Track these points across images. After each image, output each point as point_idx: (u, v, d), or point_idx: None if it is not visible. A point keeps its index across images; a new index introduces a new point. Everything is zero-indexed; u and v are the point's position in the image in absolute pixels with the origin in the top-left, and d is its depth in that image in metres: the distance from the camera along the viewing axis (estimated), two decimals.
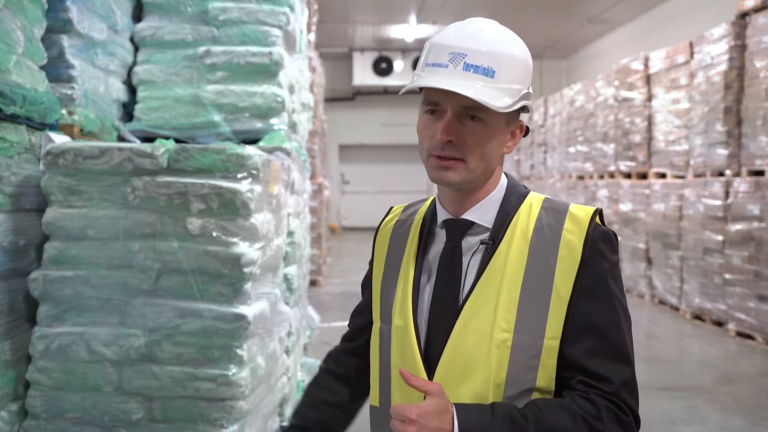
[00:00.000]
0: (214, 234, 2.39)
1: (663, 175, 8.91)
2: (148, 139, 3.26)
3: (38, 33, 2.51)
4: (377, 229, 1.56)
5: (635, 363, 1.32)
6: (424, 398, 1.24)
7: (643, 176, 9.43)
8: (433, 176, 1.33)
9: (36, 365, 2.40)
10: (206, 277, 2.41)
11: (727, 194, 7.11)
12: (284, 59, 3.62)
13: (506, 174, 1.43)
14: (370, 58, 17.56)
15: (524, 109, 1.35)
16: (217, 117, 3.51)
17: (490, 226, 1.36)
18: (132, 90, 3.58)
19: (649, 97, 9.28)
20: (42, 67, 2.54)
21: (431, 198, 1.50)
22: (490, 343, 1.28)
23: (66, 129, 2.77)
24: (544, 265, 1.31)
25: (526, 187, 1.43)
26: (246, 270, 2.40)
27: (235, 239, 2.40)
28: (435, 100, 1.31)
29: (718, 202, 7.21)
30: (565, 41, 16.74)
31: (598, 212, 1.35)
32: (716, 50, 7.37)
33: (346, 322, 1.65)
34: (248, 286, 2.44)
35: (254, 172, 2.46)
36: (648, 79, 9.32)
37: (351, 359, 1.57)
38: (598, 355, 1.28)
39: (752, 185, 6.68)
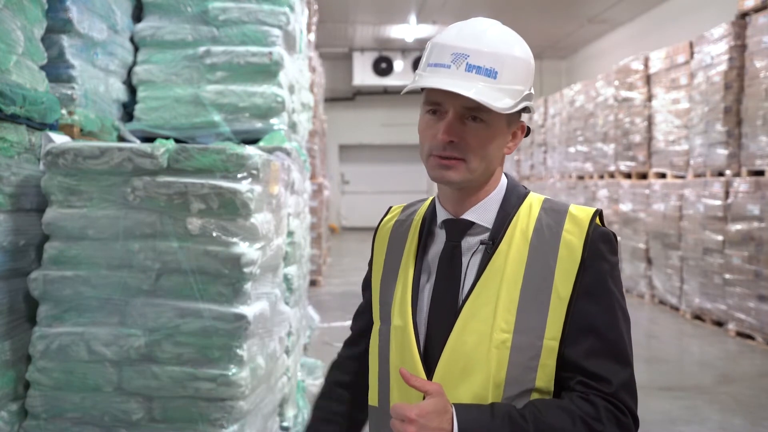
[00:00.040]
0: (214, 234, 2.40)
1: (663, 175, 8.91)
2: (148, 139, 3.26)
3: (38, 33, 2.51)
4: (376, 229, 1.55)
5: (635, 363, 1.32)
6: (424, 398, 1.24)
7: (643, 176, 9.43)
8: (434, 176, 1.33)
9: (36, 365, 2.40)
10: (206, 277, 2.41)
11: (727, 194, 7.11)
12: (284, 59, 3.62)
13: (506, 174, 1.43)
14: (370, 58, 17.56)
15: (526, 109, 1.35)
16: (217, 117, 3.52)
17: (490, 227, 1.36)
18: (132, 90, 3.58)
19: (649, 97, 9.29)
20: (42, 67, 2.54)
21: (431, 198, 1.50)
22: (489, 344, 1.28)
23: (66, 129, 2.77)
24: (543, 266, 1.31)
25: (525, 188, 1.43)
26: (246, 270, 2.40)
27: (235, 239, 2.40)
28: (437, 101, 1.31)
29: (718, 202, 7.21)
30: (565, 41, 16.74)
31: (598, 213, 1.35)
32: (716, 50, 7.37)
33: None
34: (248, 286, 2.44)
35: (254, 172, 2.46)
36: (648, 79, 9.33)
37: (356, 365, 1.55)
38: (597, 356, 1.28)
39: (752, 185, 6.68)
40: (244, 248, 2.41)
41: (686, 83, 8.24)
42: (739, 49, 7.05)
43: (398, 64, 17.45)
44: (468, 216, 1.37)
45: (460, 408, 1.23)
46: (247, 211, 2.41)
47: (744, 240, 6.78)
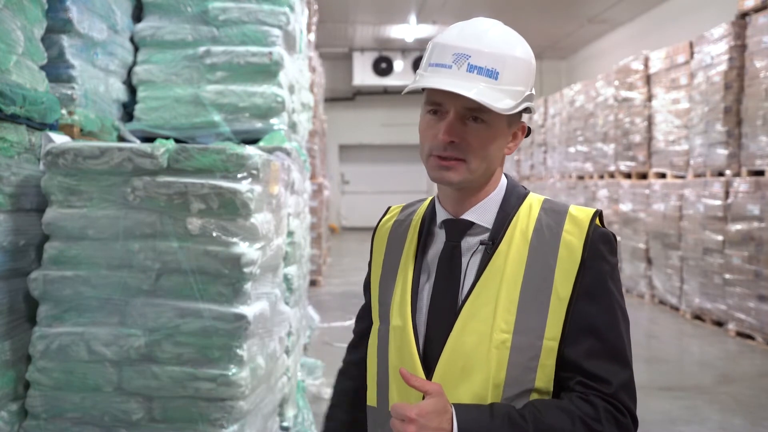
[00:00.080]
0: (214, 234, 2.40)
1: (663, 175, 8.91)
2: (148, 139, 3.26)
3: (38, 33, 2.51)
4: (375, 229, 1.55)
5: (635, 363, 1.32)
6: (423, 398, 1.24)
7: (643, 176, 9.43)
8: (434, 176, 1.33)
9: (36, 365, 2.40)
10: (206, 277, 2.41)
11: (727, 194, 7.11)
12: (284, 59, 3.62)
13: (506, 175, 1.43)
14: (370, 58, 17.56)
15: (527, 110, 1.35)
16: (217, 117, 3.52)
17: (490, 227, 1.36)
18: (132, 90, 3.58)
19: (649, 97, 9.29)
20: (42, 67, 2.54)
21: (429, 198, 1.50)
22: (489, 344, 1.28)
23: (66, 129, 2.77)
24: (543, 266, 1.31)
25: (525, 188, 1.43)
26: (246, 270, 2.40)
27: (235, 239, 2.40)
28: (438, 101, 1.31)
29: (718, 202, 7.21)
30: (565, 41, 16.74)
31: (598, 214, 1.35)
32: (716, 50, 7.38)
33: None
34: (248, 286, 2.44)
35: (254, 172, 2.46)
36: (648, 79, 9.33)
37: (360, 370, 1.54)
38: (597, 357, 1.28)
39: (752, 185, 6.68)
40: (244, 248, 2.41)
41: (686, 83, 8.24)
42: (739, 49, 7.05)
43: (398, 64, 17.45)
44: (468, 216, 1.37)
45: (460, 408, 1.24)
46: (247, 211, 2.41)
47: (744, 240, 6.78)
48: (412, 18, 14.52)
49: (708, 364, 6.14)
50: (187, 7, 3.55)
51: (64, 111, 2.77)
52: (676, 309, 8.22)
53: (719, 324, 7.30)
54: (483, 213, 1.37)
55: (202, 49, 3.54)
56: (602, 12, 13.94)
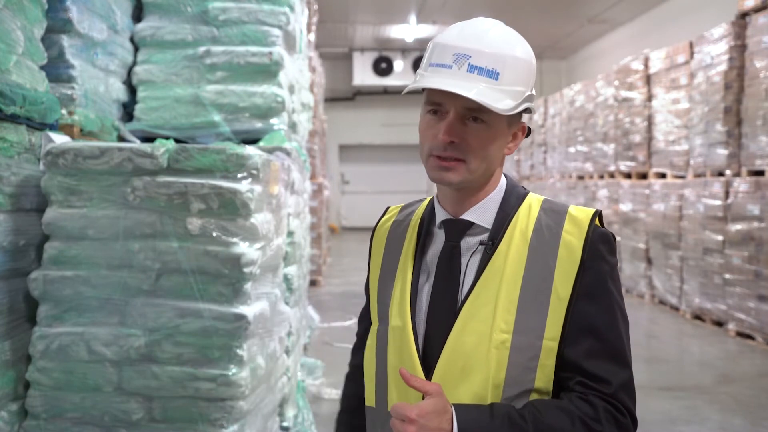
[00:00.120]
0: (214, 234, 2.40)
1: (663, 175, 8.92)
2: (148, 139, 3.26)
3: (38, 33, 2.51)
4: (374, 230, 1.55)
5: (635, 363, 1.33)
6: (423, 398, 1.24)
7: (643, 176, 9.43)
8: (433, 176, 1.33)
9: (36, 365, 2.40)
10: (206, 277, 2.41)
11: (727, 194, 7.11)
12: (284, 59, 3.62)
13: (505, 175, 1.43)
14: (370, 58, 17.56)
15: (527, 110, 1.35)
16: (217, 117, 3.52)
17: (490, 227, 1.36)
18: (132, 90, 3.58)
19: (649, 97, 9.29)
20: (42, 67, 2.54)
21: (429, 198, 1.50)
22: (489, 344, 1.28)
23: (66, 129, 2.77)
24: (543, 266, 1.31)
25: (525, 188, 1.43)
26: (246, 270, 2.40)
27: (235, 239, 2.40)
28: (438, 101, 1.31)
29: (718, 202, 7.21)
30: (565, 41, 16.74)
31: (598, 214, 1.35)
32: (716, 50, 7.38)
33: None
34: (248, 286, 2.44)
35: (254, 172, 2.46)
36: (648, 79, 9.33)
37: None
38: (596, 357, 1.28)
39: (752, 185, 6.68)
40: (244, 248, 2.41)
41: (686, 83, 8.24)
42: (739, 49, 7.05)
43: (398, 64, 17.44)
44: (467, 216, 1.37)
45: (460, 408, 1.24)
46: (247, 211, 2.42)
47: (744, 240, 6.78)
48: (412, 18, 14.52)
49: (708, 364, 6.14)
50: (187, 7, 3.55)
51: (64, 111, 2.77)
52: (676, 309, 8.22)
53: (719, 324, 7.30)
54: (482, 213, 1.37)
55: (202, 49, 3.54)
56: (602, 12, 13.94)
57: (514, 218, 1.36)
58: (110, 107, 3.32)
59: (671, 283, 8.35)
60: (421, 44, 16.20)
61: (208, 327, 2.38)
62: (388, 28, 15.56)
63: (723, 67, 7.22)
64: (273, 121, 3.58)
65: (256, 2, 3.57)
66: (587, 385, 1.27)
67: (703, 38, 7.75)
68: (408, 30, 15.39)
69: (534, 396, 1.29)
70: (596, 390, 1.26)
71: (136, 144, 2.54)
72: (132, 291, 2.42)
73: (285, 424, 3.35)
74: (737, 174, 7.12)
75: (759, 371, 5.86)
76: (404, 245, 1.44)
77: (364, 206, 19.69)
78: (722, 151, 7.28)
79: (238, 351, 2.40)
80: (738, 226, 6.86)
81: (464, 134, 1.29)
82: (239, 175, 2.43)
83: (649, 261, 9.01)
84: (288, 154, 3.28)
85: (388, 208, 1.59)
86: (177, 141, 2.72)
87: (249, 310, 2.44)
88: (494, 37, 1.29)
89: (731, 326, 6.96)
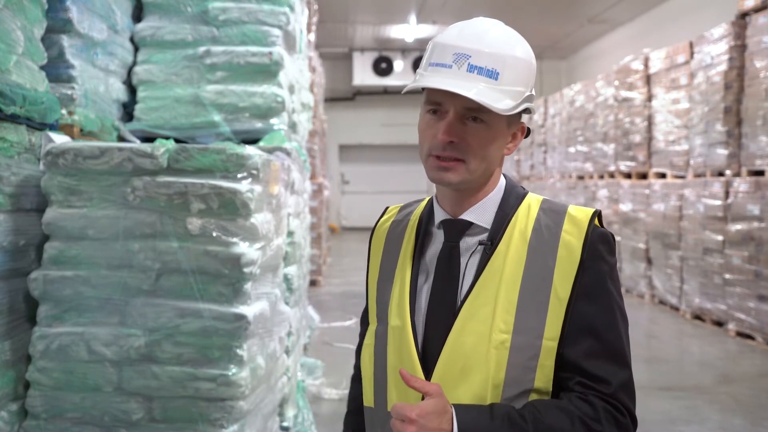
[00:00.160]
0: (214, 234, 2.40)
1: (663, 175, 8.92)
2: (148, 139, 3.26)
3: (38, 33, 2.51)
4: (373, 230, 1.55)
5: (634, 363, 1.33)
6: (422, 398, 1.24)
7: (643, 176, 9.43)
8: (432, 176, 1.33)
9: (36, 365, 2.40)
10: (206, 277, 2.41)
11: (727, 194, 7.11)
12: (284, 59, 3.62)
13: (505, 175, 1.43)
14: (370, 58, 17.56)
15: (527, 111, 1.35)
16: (217, 117, 3.52)
17: (489, 227, 1.36)
18: (132, 90, 3.59)
19: (649, 97, 9.29)
20: (42, 67, 2.54)
21: (427, 198, 1.49)
22: (488, 344, 1.28)
23: (66, 129, 2.77)
24: (542, 266, 1.31)
25: (524, 188, 1.43)
26: (246, 270, 2.40)
27: (235, 239, 2.40)
28: (437, 101, 1.31)
29: (718, 202, 7.21)
30: (565, 41, 16.74)
31: (597, 214, 1.35)
32: (716, 50, 7.38)
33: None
34: (248, 286, 2.44)
35: (254, 172, 2.46)
36: (648, 79, 9.33)
37: None
38: (596, 357, 1.28)
39: (752, 185, 6.68)
40: (244, 248, 2.41)
41: (686, 83, 8.24)
42: (739, 49, 7.05)
43: (398, 64, 17.44)
44: (466, 216, 1.37)
45: (460, 408, 1.24)
46: (247, 211, 2.42)
47: (744, 240, 6.78)
48: (412, 18, 14.52)
49: (708, 364, 6.14)
50: (187, 7, 3.55)
51: (64, 111, 2.77)
52: (676, 309, 8.22)
53: (719, 324, 7.30)
54: (482, 213, 1.37)
55: (202, 49, 3.54)
56: (602, 12, 13.94)
57: (514, 218, 1.36)
58: (110, 107, 3.32)
59: (671, 283, 8.35)
60: (421, 44, 16.20)
61: (208, 327, 2.38)
62: (388, 28, 15.56)
63: (723, 67, 7.22)
64: (273, 121, 3.58)
65: (256, 2, 3.57)
66: (587, 385, 1.27)
67: (703, 38, 7.75)
68: (408, 30, 15.39)
69: (534, 396, 1.29)
70: (596, 390, 1.26)
71: (136, 144, 2.54)
72: (132, 291, 2.42)
73: (285, 424, 3.35)
74: (737, 174, 7.12)
75: (759, 371, 5.86)
76: (403, 245, 1.44)
77: (364, 206, 19.69)
78: (722, 151, 7.28)
79: (238, 351, 2.40)
80: (738, 226, 6.86)
81: (464, 134, 1.29)
82: (239, 175, 2.43)
83: (649, 261, 9.01)
84: (288, 154, 3.28)
85: (387, 208, 1.59)
86: (177, 141, 2.72)
87: (249, 310, 2.44)
88: (494, 37, 1.29)
89: (731, 326, 6.96)
